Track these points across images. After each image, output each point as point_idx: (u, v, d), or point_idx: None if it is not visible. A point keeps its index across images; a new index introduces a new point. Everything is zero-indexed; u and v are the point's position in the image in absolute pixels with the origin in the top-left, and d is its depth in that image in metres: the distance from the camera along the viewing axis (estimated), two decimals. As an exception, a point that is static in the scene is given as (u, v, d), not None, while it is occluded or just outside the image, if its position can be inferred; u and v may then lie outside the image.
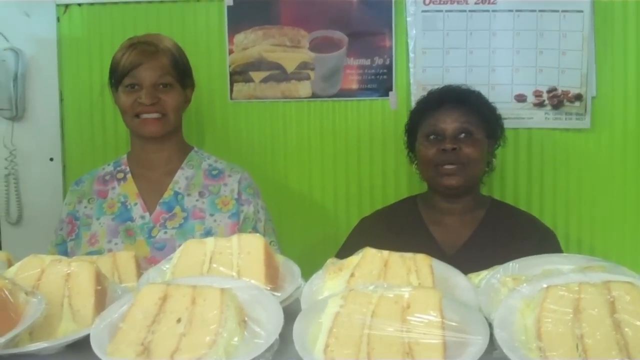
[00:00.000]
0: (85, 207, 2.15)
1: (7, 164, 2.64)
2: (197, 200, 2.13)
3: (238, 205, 2.13)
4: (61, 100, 2.66)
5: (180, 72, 2.15)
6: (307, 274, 1.42)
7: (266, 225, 2.16)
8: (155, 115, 2.09)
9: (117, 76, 2.11)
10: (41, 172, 2.65)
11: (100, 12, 2.64)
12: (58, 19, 2.64)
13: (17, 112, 2.60)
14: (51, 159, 2.65)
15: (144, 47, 2.10)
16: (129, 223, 2.10)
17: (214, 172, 2.19)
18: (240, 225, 2.11)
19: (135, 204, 2.13)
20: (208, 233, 2.07)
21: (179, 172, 2.17)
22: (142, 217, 2.10)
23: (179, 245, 1.44)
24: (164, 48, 2.13)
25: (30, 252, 1.42)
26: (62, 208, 2.21)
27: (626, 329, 1.09)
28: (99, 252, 2.02)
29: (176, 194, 2.13)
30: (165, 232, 2.08)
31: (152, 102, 2.07)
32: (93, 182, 2.20)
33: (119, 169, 2.21)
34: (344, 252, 2.09)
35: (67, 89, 2.66)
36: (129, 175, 2.18)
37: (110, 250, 2.04)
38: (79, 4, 2.64)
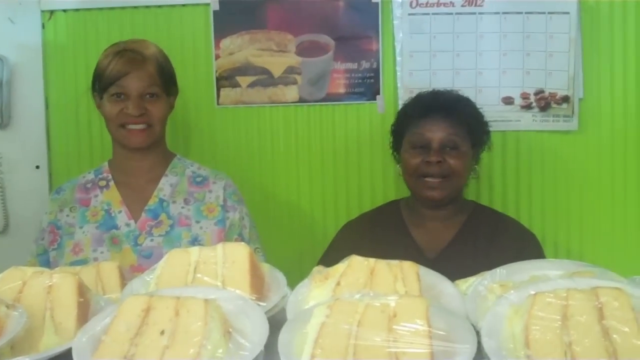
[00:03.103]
0: (67, 215, 2.12)
1: (-7, 172, 2.62)
2: (182, 208, 2.11)
3: (224, 212, 2.12)
4: (47, 107, 2.63)
5: (166, 81, 2.13)
6: (294, 281, 1.41)
7: (251, 232, 2.15)
8: (141, 126, 2.08)
9: (103, 84, 2.08)
10: (27, 180, 2.62)
11: (85, 18, 2.61)
12: (43, 25, 2.61)
13: (2, 120, 2.57)
14: (37, 167, 2.62)
15: (130, 56, 2.07)
16: (114, 231, 2.08)
17: (198, 179, 2.17)
18: (226, 232, 2.10)
19: (120, 211, 2.10)
20: (195, 240, 2.06)
21: (163, 179, 2.15)
22: (128, 225, 2.08)
23: (166, 253, 1.42)
24: (151, 56, 2.10)
25: (16, 261, 1.42)
26: (42, 217, 2.17)
27: (614, 336, 1.09)
28: (84, 261, 2.00)
29: (161, 201, 2.12)
30: (152, 240, 2.06)
31: (139, 113, 2.05)
32: (74, 190, 2.17)
33: (100, 176, 2.18)
34: (328, 255, 2.10)
35: (52, 96, 2.63)
36: (111, 183, 2.16)
37: (95, 259, 2.02)
38: (64, 10, 2.61)
